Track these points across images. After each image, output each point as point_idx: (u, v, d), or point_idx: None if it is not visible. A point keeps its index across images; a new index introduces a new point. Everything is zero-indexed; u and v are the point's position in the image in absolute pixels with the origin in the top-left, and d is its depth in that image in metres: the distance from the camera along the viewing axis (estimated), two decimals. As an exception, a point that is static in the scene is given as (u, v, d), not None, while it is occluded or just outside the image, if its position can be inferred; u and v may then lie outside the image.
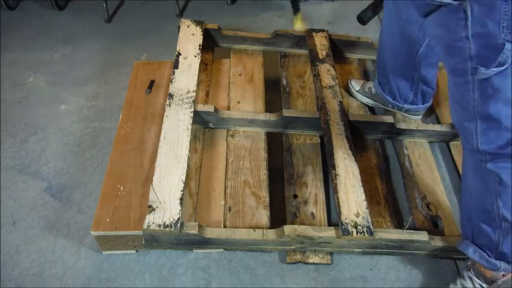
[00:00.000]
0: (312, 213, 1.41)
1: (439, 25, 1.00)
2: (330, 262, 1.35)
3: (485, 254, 1.17)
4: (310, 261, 1.34)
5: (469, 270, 1.25)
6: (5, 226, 1.45)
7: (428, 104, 1.70)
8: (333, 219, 1.47)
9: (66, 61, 2.11)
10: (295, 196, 1.46)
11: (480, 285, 1.22)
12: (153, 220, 1.19)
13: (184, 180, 1.27)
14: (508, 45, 0.88)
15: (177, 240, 1.24)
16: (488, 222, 1.14)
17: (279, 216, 1.43)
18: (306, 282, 1.34)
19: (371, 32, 2.24)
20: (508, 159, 1.02)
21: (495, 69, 0.92)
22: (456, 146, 1.68)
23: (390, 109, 1.75)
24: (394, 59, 1.56)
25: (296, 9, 2.05)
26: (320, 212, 1.42)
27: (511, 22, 0.86)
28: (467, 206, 1.20)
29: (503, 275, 1.19)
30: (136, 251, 1.38)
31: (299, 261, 1.34)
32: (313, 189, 1.48)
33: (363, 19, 1.91)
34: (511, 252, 1.14)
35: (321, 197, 1.46)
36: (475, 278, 1.22)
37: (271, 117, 1.60)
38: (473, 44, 0.92)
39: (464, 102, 1.02)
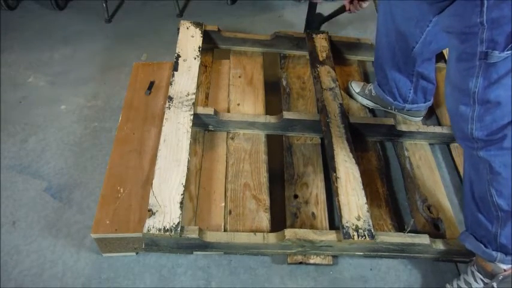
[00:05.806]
0: (313, 214, 1.41)
1: (452, 15, 1.01)
2: (331, 263, 1.35)
3: (481, 244, 1.18)
4: (312, 261, 1.34)
5: (473, 265, 1.25)
6: (5, 226, 1.45)
7: (429, 103, 1.69)
8: (334, 219, 1.47)
9: (66, 61, 2.10)
10: (296, 196, 1.46)
11: (481, 279, 1.22)
12: (153, 224, 1.18)
13: (184, 184, 1.27)
14: None
15: (178, 244, 1.24)
16: (485, 212, 1.15)
17: (280, 217, 1.43)
18: (306, 283, 1.34)
19: (371, 33, 2.23)
20: (499, 147, 1.04)
21: (509, 52, 0.93)
22: (457, 148, 1.68)
23: (391, 111, 1.75)
24: (391, 57, 1.55)
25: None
26: (321, 212, 1.42)
27: None
28: (466, 197, 1.22)
29: (505, 270, 1.19)
30: (137, 253, 1.38)
31: (300, 262, 1.34)
32: (313, 189, 1.48)
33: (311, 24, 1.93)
34: (511, 243, 1.14)
35: (322, 197, 1.46)
36: (476, 273, 1.23)
37: (271, 119, 1.60)
38: (487, 29, 0.92)
39: (465, 88, 1.03)
